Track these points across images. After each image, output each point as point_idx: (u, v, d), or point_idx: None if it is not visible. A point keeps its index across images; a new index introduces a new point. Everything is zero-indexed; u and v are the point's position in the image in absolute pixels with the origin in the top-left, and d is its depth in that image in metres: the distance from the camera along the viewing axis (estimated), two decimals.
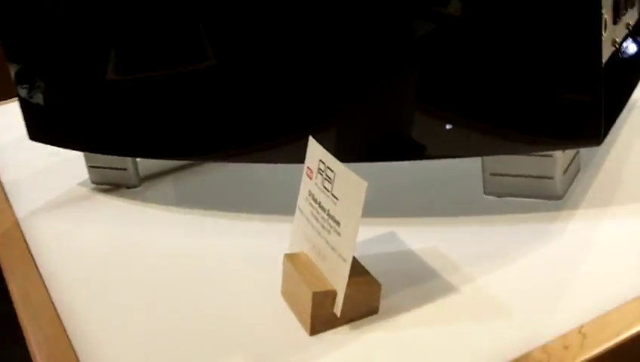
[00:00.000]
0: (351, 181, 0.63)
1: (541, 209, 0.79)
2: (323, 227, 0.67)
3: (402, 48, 0.75)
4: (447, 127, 0.77)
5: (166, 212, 0.93)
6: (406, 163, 0.83)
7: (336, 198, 0.65)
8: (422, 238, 0.77)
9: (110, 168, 1.00)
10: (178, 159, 1.02)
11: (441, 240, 0.76)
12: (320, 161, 0.69)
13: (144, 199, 0.97)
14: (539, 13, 0.70)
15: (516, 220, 0.78)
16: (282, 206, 0.86)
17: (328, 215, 0.66)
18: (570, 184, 0.82)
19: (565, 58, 0.71)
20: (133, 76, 0.90)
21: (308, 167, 0.71)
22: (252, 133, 0.86)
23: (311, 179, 0.70)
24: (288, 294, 0.70)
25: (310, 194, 0.70)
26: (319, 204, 0.68)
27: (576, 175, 0.84)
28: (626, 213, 0.76)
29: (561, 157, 0.79)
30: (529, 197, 0.81)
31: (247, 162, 0.94)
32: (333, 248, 0.65)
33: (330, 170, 0.67)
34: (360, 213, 0.62)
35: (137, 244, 0.86)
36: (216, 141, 0.88)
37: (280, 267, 0.71)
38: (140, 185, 1.01)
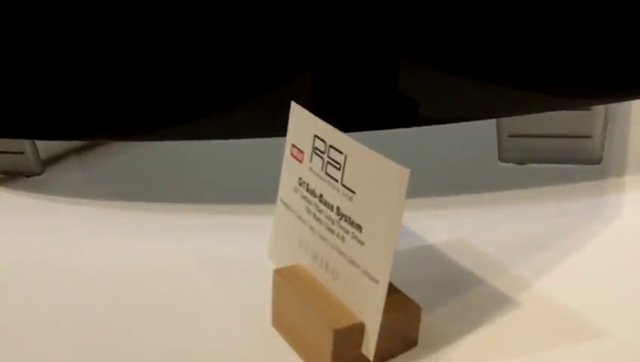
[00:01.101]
0: (380, 168, 0.44)
1: (578, 178, 0.62)
2: (331, 231, 0.48)
3: None
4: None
5: (79, 206, 0.71)
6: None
7: (351, 192, 0.46)
8: (437, 226, 0.59)
9: (3, 152, 0.77)
10: (88, 139, 0.80)
11: (462, 227, 0.58)
12: (316, 137, 0.49)
13: (49, 190, 0.75)
14: None
15: (553, 194, 0.60)
16: (228, 192, 0.67)
17: (339, 214, 0.47)
18: (604, 143, 0.65)
19: None
20: (20, 30, 0.67)
21: (294, 146, 0.51)
22: (182, 102, 0.65)
23: (301, 162, 0.50)
24: (286, 327, 0.50)
25: (302, 183, 0.50)
26: (320, 198, 0.49)
27: (606, 130, 0.67)
28: None
29: (600, 111, 0.61)
30: (558, 163, 0.63)
31: (177, 139, 0.73)
32: (353, 262, 0.46)
33: (337, 150, 0.47)
34: (401, 215, 0.43)
35: (45, 253, 0.64)
36: (135, 114, 0.67)
37: (256, 278, 0.51)
38: (43, 173, 0.78)
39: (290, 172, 0.52)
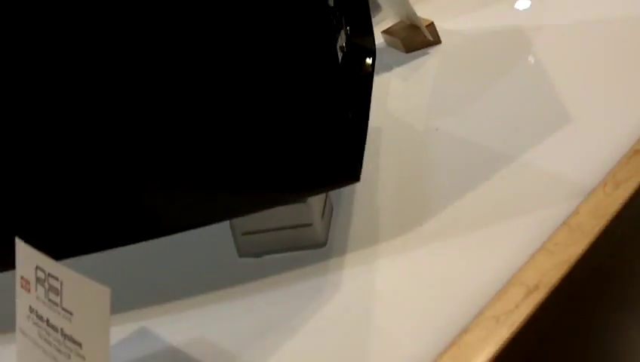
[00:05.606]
0: (86, 289, 0.48)
1: (307, 262, 0.69)
2: (59, 351, 0.51)
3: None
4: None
5: None
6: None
7: (69, 313, 0.50)
8: (181, 328, 0.64)
9: None
10: None
11: (205, 324, 0.63)
12: (37, 268, 0.53)
13: None
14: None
15: (286, 280, 0.67)
16: None
17: (63, 335, 0.51)
18: (329, 226, 0.72)
19: (299, 90, 0.61)
20: None
21: (22, 278, 0.55)
22: None
23: (29, 292, 0.54)
24: None
25: (32, 310, 0.54)
26: (47, 322, 0.52)
27: (331, 215, 0.75)
28: (397, 246, 0.68)
29: (315, 200, 0.69)
30: (290, 250, 0.70)
31: None
32: None
33: (54, 277, 0.51)
34: (107, 328, 0.47)
35: None
36: None
37: None
38: None
39: (22, 302, 0.55)
